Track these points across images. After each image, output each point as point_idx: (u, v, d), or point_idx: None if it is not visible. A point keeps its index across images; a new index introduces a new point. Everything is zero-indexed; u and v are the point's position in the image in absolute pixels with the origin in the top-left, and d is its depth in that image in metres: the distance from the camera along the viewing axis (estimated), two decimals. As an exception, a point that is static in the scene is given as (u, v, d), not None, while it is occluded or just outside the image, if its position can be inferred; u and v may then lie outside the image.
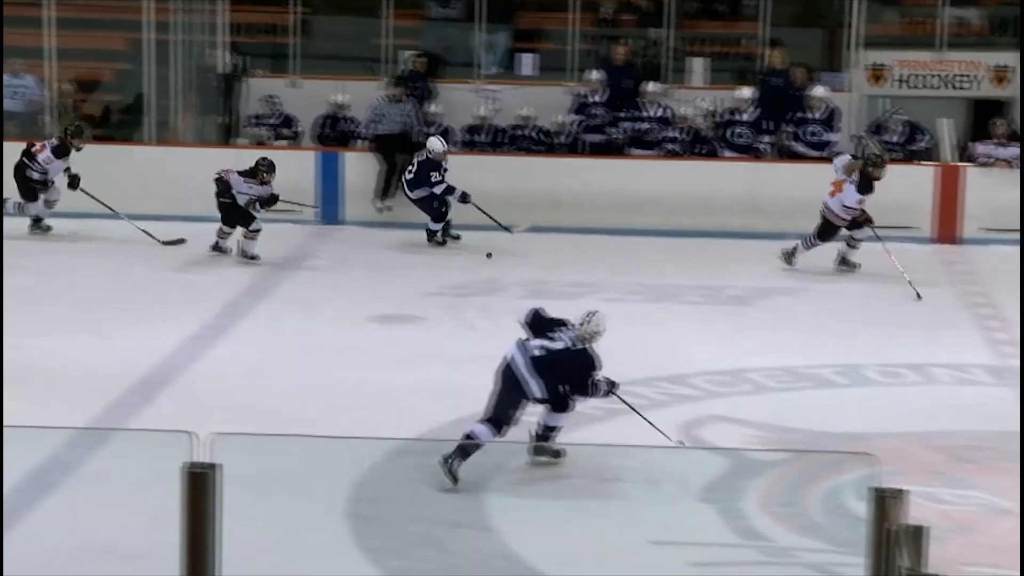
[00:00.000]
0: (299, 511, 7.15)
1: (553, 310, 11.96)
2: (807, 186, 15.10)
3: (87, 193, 14.07)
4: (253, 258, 13.47)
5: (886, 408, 9.57)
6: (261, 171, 13.52)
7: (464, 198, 14.25)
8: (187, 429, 4.54)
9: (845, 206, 13.36)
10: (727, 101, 15.79)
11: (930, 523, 3.98)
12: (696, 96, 16.04)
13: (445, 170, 14.29)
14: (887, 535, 3.83)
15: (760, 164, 15.51)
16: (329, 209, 15.35)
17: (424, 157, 14.32)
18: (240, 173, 13.51)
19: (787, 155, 15.65)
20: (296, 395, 9.55)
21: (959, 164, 15.33)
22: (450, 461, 7.77)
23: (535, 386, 8.09)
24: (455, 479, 7.75)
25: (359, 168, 15.58)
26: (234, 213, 13.52)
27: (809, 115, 15.55)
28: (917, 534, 3.75)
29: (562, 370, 8.13)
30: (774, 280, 13.24)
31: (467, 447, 7.90)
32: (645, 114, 15.87)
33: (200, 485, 4.01)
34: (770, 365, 10.42)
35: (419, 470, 7.92)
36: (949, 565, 6.60)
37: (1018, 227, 14.72)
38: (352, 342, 10.99)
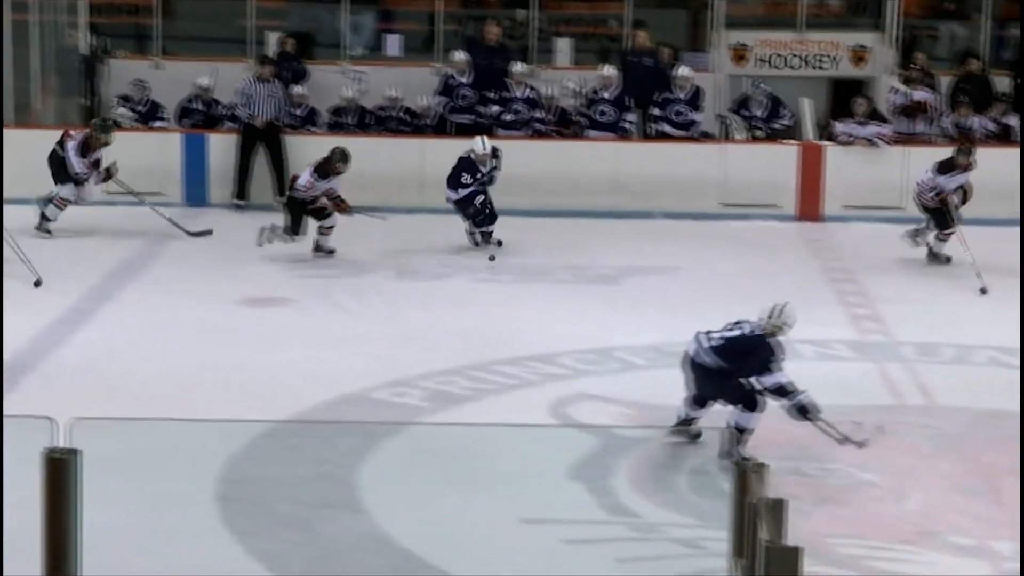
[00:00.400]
0: (167, 494, 7.09)
1: (421, 291, 12.10)
2: (672, 165, 15.29)
3: (118, 182, 13.87)
4: (330, 252, 13.22)
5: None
6: (334, 162, 13.12)
7: (480, 212, 13.56)
8: (55, 414, 4.47)
9: (916, 182, 13.20)
10: (592, 81, 15.87)
11: (794, 496, 4.04)
12: (562, 76, 16.11)
13: (482, 174, 13.53)
14: (748, 508, 3.88)
15: (626, 144, 15.60)
16: (194, 191, 15.21)
17: (467, 155, 13.61)
18: (315, 168, 13.07)
19: (653, 135, 15.77)
20: (166, 378, 9.47)
21: (820, 143, 15.57)
22: (737, 456, 7.93)
23: (717, 365, 8.21)
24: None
25: (224, 150, 15.43)
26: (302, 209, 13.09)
27: (674, 95, 15.67)
28: (777, 507, 3.80)
29: (739, 354, 8.21)
30: (641, 259, 13.35)
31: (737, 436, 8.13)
32: (512, 95, 15.90)
33: (60, 471, 3.96)
34: (637, 343, 10.50)
35: (290, 451, 7.90)
36: (813, 537, 6.74)
37: (877, 204, 15.00)
38: (222, 324, 10.90)
